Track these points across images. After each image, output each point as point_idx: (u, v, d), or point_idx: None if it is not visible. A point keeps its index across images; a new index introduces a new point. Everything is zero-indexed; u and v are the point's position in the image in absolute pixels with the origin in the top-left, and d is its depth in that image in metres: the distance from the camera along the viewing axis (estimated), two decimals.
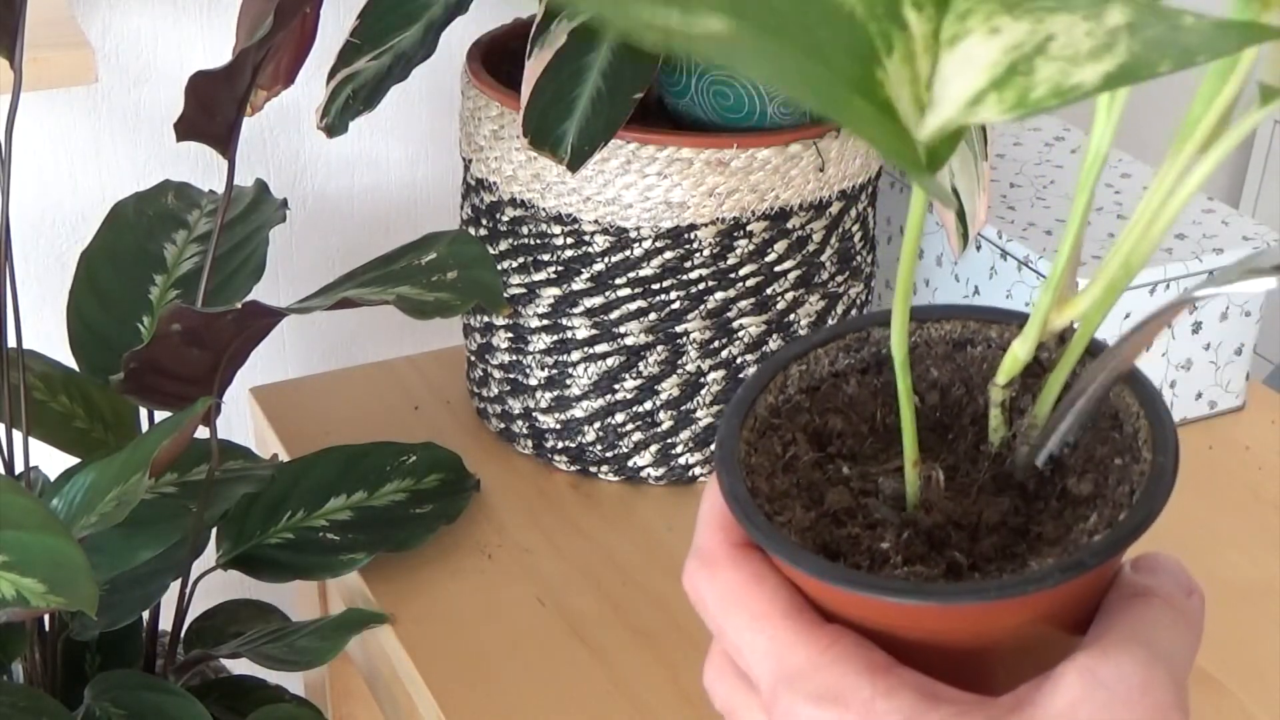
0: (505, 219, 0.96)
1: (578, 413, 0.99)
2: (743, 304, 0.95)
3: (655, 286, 0.94)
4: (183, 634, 0.96)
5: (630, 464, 1.00)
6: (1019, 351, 0.41)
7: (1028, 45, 0.29)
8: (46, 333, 1.13)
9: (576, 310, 0.96)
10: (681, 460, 1.00)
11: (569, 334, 0.97)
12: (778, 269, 0.95)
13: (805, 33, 0.28)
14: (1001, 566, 0.39)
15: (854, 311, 1.02)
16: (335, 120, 0.88)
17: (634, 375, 0.97)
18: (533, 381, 1.00)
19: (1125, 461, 0.41)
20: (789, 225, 0.94)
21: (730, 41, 0.26)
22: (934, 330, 0.44)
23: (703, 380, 0.97)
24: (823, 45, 0.29)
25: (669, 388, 0.97)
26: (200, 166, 1.19)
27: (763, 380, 0.44)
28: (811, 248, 0.96)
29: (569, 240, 0.94)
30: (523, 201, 0.95)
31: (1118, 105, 0.37)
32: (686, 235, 0.92)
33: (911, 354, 0.41)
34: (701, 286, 0.94)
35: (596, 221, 0.93)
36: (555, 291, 0.96)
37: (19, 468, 0.91)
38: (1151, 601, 0.40)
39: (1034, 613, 0.39)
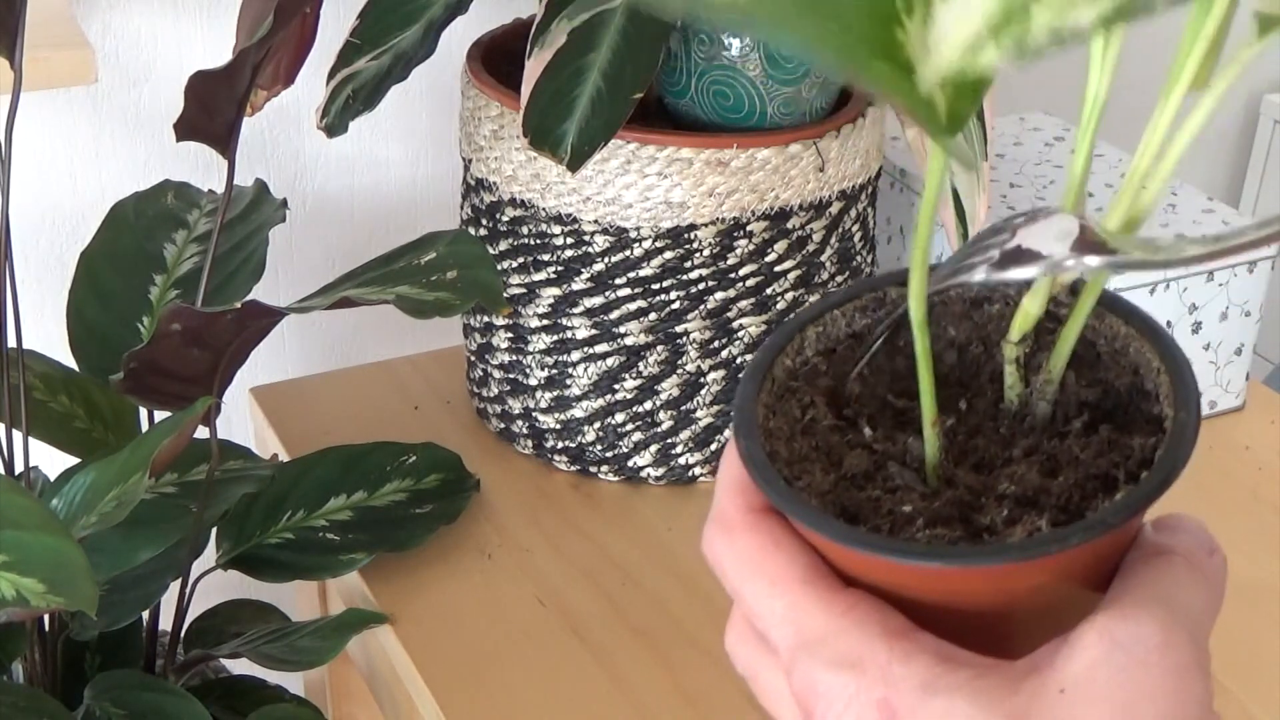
0: (505, 219, 0.96)
1: (578, 413, 0.99)
2: (743, 304, 0.95)
3: (655, 286, 0.94)
4: (183, 634, 0.96)
5: (630, 464, 1.00)
6: (1030, 306, 0.40)
7: None
8: (46, 333, 1.13)
9: (576, 310, 0.96)
10: (681, 460, 1.00)
11: (569, 334, 0.97)
12: (778, 269, 0.95)
13: None
14: (1022, 526, 0.39)
15: None
16: (335, 120, 0.88)
17: (634, 375, 0.97)
18: (533, 381, 1.00)
19: (1147, 417, 0.41)
20: (789, 225, 0.94)
21: (750, 6, 0.27)
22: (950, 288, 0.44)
23: (703, 380, 0.97)
24: (842, 6, 0.29)
25: (669, 388, 0.97)
26: (200, 166, 1.20)
27: (780, 343, 0.43)
28: (811, 248, 0.96)
29: (569, 240, 0.94)
30: (523, 201, 0.95)
31: (1112, 50, 0.37)
32: (686, 235, 0.92)
33: (929, 313, 0.41)
34: (701, 286, 0.94)
35: (596, 221, 0.93)
36: (555, 291, 0.96)
37: (19, 468, 0.91)
38: (1172, 560, 0.39)
39: (1055, 573, 0.39)
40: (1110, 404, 0.42)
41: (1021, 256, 0.35)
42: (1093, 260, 0.34)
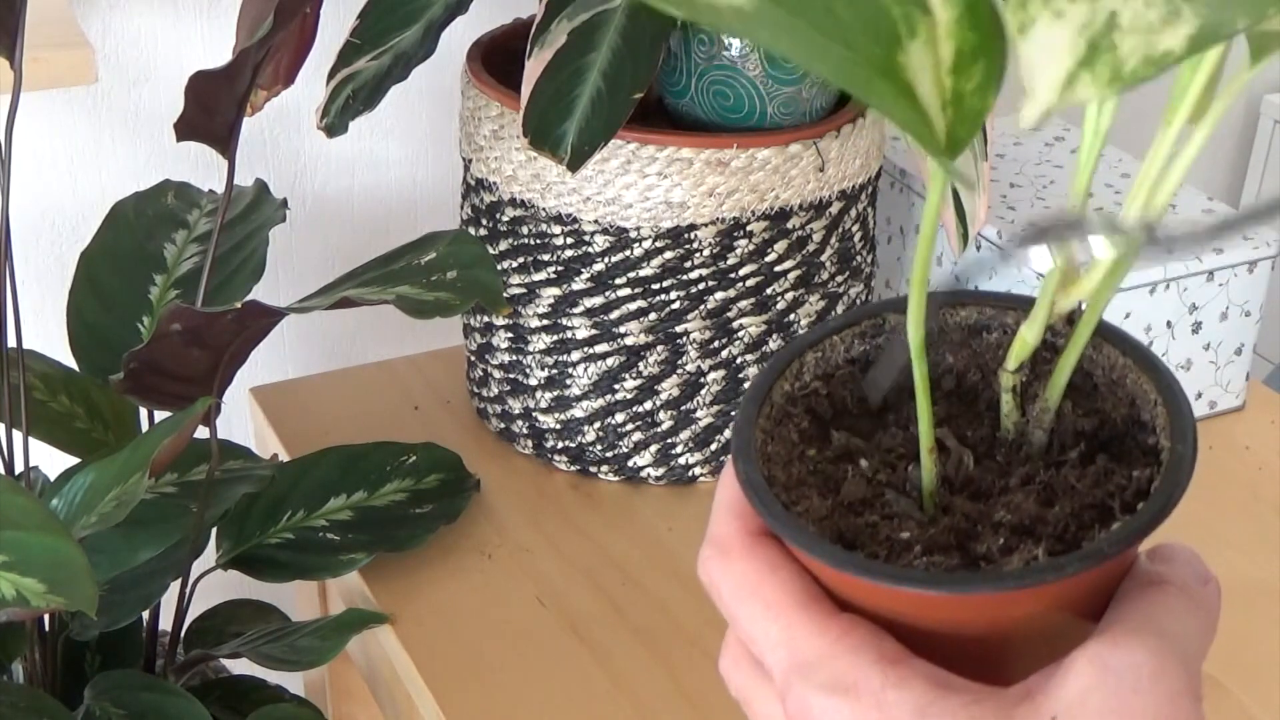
0: (505, 219, 0.96)
1: (578, 413, 0.99)
2: (743, 304, 0.95)
3: (655, 286, 0.94)
4: (183, 634, 0.96)
5: (630, 464, 1.00)
6: (1027, 335, 0.41)
7: (1097, 23, 0.29)
8: (46, 333, 1.13)
9: (576, 310, 0.96)
10: (681, 460, 1.00)
11: (569, 334, 0.97)
12: (778, 269, 0.95)
13: (827, 12, 0.29)
14: (1019, 554, 0.39)
15: None
16: (335, 120, 0.88)
17: (634, 375, 0.97)
18: (533, 381, 1.00)
19: (1143, 448, 0.41)
20: (789, 225, 0.94)
21: (755, 18, 0.27)
22: (950, 316, 0.44)
23: (703, 380, 0.97)
24: (845, 25, 0.29)
25: (669, 388, 0.97)
26: (200, 166, 1.19)
27: (779, 368, 0.44)
28: (811, 248, 0.96)
29: (569, 240, 0.94)
30: (523, 201, 0.95)
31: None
32: (686, 235, 0.92)
33: (927, 340, 0.41)
34: (701, 286, 0.94)
35: (596, 221, 0.93)
36: (555, 291, 0.96)
37: (19, 468, 0.91)
38: (1166, 589, 0.39)
39: (1050, 601, 0.39)
40: (1107, 434, 0.42)
41: (1039, 236, 0.35)
42: (1105, 239, 0.34)
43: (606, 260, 0.94)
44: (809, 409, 0.44)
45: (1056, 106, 0.30)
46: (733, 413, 0.99)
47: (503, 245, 0.97)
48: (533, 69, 0.82)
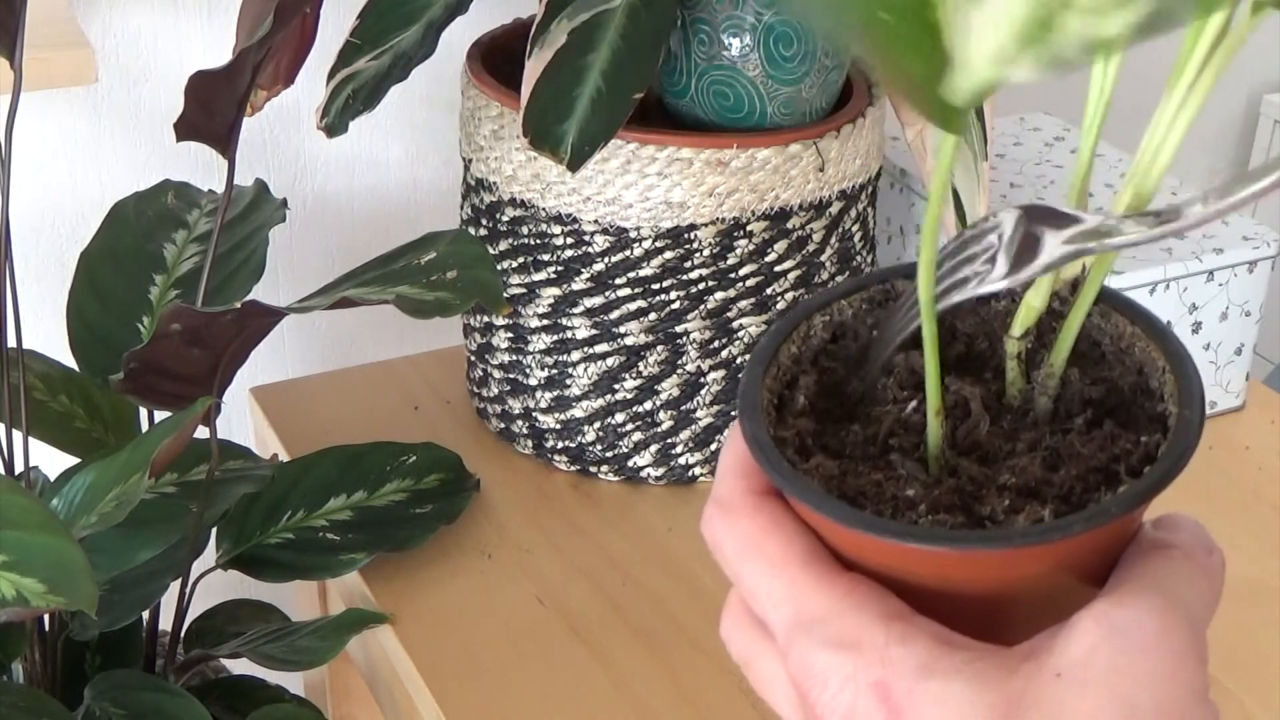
0: (505, 219, 0.96)
1: (578, 413, 0.99)
2: (743, 304, 0.95)
3: (655, 286, 0.94)
4: (183, 634, 0.96)
5: (630, 464, 1.00)
6: (1033, 301, 0.41)
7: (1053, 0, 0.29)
8: (46, 333, 1.13)
9: (576, 310, 0.96)
10: (681, 460, 1.00)
11: (569, 334, 0.97)
12: (778, 269, 0.95)
13: None
14: (1025, 515, 0.39)
15: None
16: (335, 120, 0.88)
17: (634, 375, 0.97)
18: (533, 381, 1.00)
19: (1150, 415, 0.41)
20: (789, 225, 0.94)
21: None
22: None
23: (703, 380, 0.97)
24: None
25: (669, 388, 0.97)
26: (200, 166, 1.19)
27: (786, 330, 0.44)
28: (811, 248, 0.96)
29: (569, 240, 0.94)
30: (523, 201, 0.95)
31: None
32: (686, 235, 0.92)
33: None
34: (701, 286, 0.94)
35: (596, 221, 0.93)
36: (555, 291, 0.96)
37: (19, 468, 0.91)
38: (1171, 553, 0.39)
39: (1056, 562, 0.39)
40: (1114, 402, 0.42)
41: (1031, 250, 0.35)
42: (1098, 242, 0.34)
43: (606, 260, 0.94)
44: (815, 371, 0.44)
45: (987, 80, 0.30)
46: (733, 413, 0.99)
47: (503, 245, 0.97)
48: (533, 69, 0.82)
